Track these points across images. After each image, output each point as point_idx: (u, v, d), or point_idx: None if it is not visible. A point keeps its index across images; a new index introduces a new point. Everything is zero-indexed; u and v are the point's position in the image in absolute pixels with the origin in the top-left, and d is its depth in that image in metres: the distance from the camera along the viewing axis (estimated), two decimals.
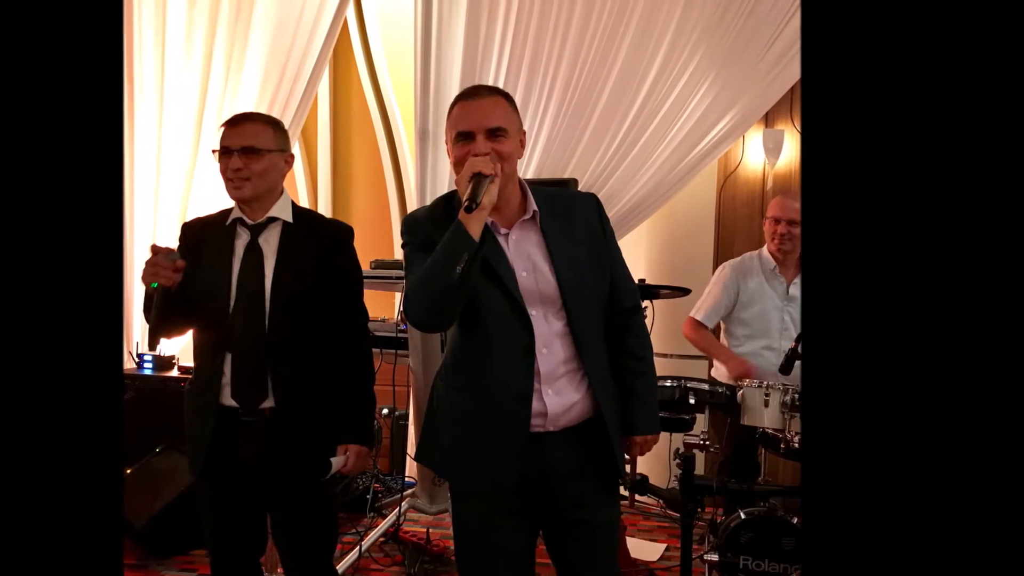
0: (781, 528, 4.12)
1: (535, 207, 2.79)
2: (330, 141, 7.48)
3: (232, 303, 3.17)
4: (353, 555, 4.96)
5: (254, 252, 3.20)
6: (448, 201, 2.84)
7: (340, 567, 4.72)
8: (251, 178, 3.15)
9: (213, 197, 6.20)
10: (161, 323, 3.14)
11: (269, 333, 3.15)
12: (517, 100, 2.95)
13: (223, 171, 3.19)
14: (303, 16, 6.25)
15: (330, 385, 3.26)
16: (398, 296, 5.81)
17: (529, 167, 5.62)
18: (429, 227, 2.75)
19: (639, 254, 6.72)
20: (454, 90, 5.36)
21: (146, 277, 2.99)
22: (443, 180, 5.60)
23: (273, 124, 3.28)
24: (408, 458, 6.54)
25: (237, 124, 3.22)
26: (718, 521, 4.62)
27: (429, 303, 2.64)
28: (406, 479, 6.37)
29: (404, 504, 5.61)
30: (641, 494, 4.52)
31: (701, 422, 4.77)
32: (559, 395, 2.74)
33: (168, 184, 6.65)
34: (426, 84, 5.60)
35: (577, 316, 2.76)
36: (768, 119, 6.49)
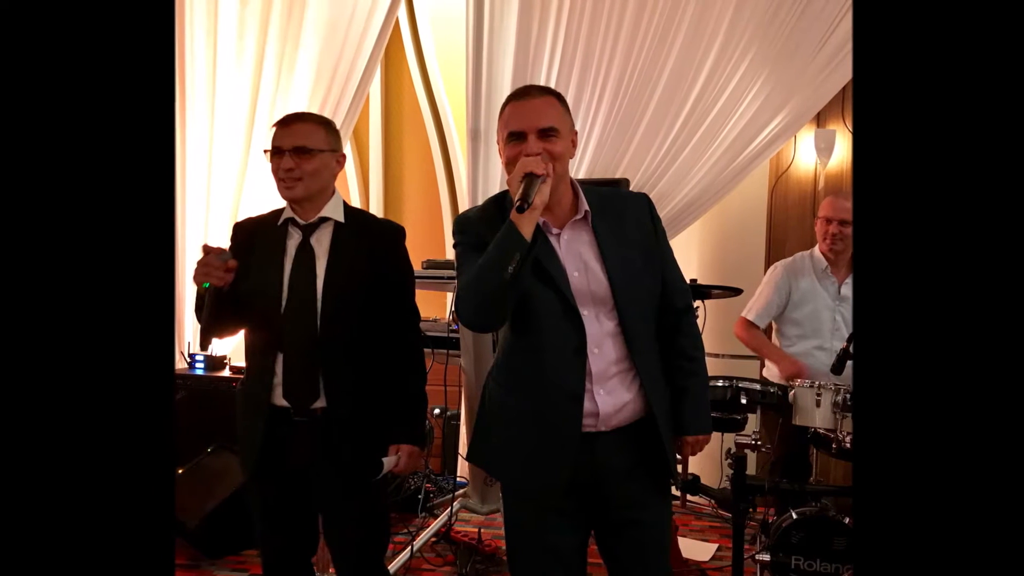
0: (833, 528, 4.11)
1: (587, 207, 2.78)
2: (382, 141, 7.50)
3: (284, 303, 3.17)
4: (405, 555, 4.97)
5: (306, 252, 3.21)
6: (500, 201, 2.85)
7: (392, 567, 4.73)
8: (303, 178, 3.15)
9: (265, 197, 6.24)
10: (213, 323, 3.14)
11: (321, 333, 3.16)
12: (569, 100, 2.95)
13: (275, 171, 3.20)
14: (355, 16, 6.27)
15: (382, 385, 3.27)
16: (450, 296, 5.83)
17: (581, 167, 5.61)
18: (481, 227, 2.75)
19: (691, 254, 6.71)
20: (506, 90, 5.37)
21: (198, 277, 3.00)
22: (495, 180, 5.60)
23: (325, 124, 3.29)
24: (460, 458, 6.55)
25: (289, 124, 3.22)
26: (770, 521, 4.61)
27: (480, 303, 2.65)
28: (458, 479, 6.38)
29: (456, 504, 5.62)
30: (693, 494, 4.51)
31: (753, 422, 4.76)
32: (611, 395, 2.74)
33: (220, 184, 6.70)
34: (478, 84, 5.60)
35: (629, 316, 2.75)
36: (820, 119, 6.45)
